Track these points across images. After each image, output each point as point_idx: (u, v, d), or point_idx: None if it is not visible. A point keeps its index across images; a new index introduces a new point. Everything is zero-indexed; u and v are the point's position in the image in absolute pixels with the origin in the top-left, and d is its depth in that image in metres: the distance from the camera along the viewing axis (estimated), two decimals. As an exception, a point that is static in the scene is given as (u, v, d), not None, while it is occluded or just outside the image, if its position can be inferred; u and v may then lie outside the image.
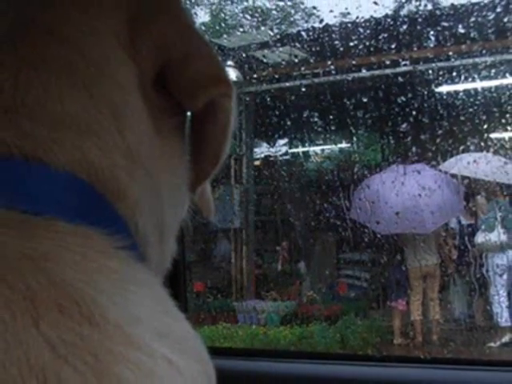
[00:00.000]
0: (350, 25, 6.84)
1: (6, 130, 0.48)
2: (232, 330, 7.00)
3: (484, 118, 6.49)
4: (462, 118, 6.64)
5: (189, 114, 0.61)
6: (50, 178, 0.48)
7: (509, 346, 6.41)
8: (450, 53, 6.71)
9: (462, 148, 6.64)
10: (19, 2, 0.55)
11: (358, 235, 6.93)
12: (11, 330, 0.38)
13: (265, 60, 7.86)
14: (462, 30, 6.50)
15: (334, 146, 8.82)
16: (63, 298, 0.41)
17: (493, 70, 6.67)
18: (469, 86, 6.82)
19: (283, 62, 7.67)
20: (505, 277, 6.62)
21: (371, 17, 6.65)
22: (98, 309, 0.41)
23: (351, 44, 6.78)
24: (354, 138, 8.10)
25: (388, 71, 7.01)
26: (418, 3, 7.53)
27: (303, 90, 7.58)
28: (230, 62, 7.43)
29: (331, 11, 7.00)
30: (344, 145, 8.70)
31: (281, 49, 7.69)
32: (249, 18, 8.31)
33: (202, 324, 6.96)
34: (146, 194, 0.54)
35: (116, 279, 0.45)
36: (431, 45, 6.74)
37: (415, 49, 6.85)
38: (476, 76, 6.78)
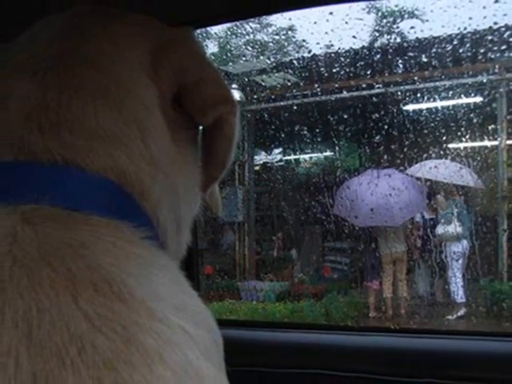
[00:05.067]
0: (333, 54, 6.84)
1: (52, 141, 0.48)
2: (236, 305, 6.99)
3: (443, 131, 6.49)
4: (425, 131, 6.64)
5: (200, 127, 0.61)
6: (87, 180, 0.48)
7: (463, 319, 6.41)
8: (415, 78, 6.71)
9: (425, 156, 6.64)
10: (62, 36, 0.55)
11: (339, 227, 6.93)
12: (55, 305, 0.38)
13: (263, 83, 7.85)
14: (424, 59, 6.50)
15: (319, 154, 8.81)
16: (98, 279, 0.41)
17: (450, 92, 6.67)
18: (430, 105, 6.82)
19: (278, 85, 7.67)
20: (460, 262, 6.61)
21: (350, 48, 6.65)
22: (126, 288, 0.41)
23: (334, 70, 6.78)
24: (337, 148, 8.09)
25: (364, 93, 7.00)
26: (388, 37, 7.53)
27: (295, 108, 7.58)
28: (234, 85, 7.42)
29: (318, 43, 7.00)
30: (328, 153, 8.68)
31: (276, 74, 7.69)
32: (250, 48, 8.30)
33: (212, 300, 6.95)
34: (166, 194, 0.54)
35: (141, 264, 0.45)
36: (399, 71, 6.74)
37: (386, 74, 6.85)
38: (436, 97, 6.78)
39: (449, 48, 6.17)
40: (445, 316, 6.52)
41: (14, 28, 0.60)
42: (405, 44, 7.07)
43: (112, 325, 0.38)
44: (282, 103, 7.77)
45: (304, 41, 7.86)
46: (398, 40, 7.45)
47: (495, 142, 6.65)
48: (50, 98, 0.49)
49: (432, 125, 6.56)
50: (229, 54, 8.22)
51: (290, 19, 7.86)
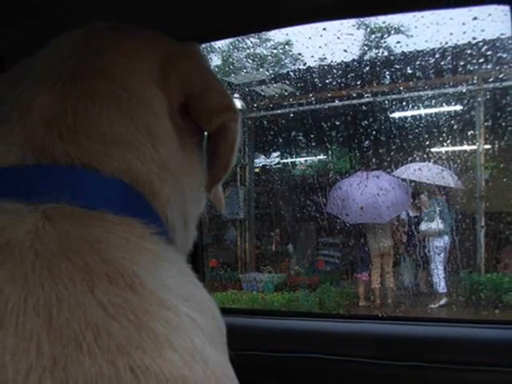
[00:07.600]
0: (326, 67, 6.83)
1: (70, 145, 0.48)
2: (238, 295, 6.99)
3: (426, 136, 6.49)
4: (410, 137, 6.63)
5: (205, 133, 0.61)
6: (102, 181, 0.48)
7: (444, 307, 6.41)
8: (401, 88, 6.71)
9: (409, 159, 6.64)
10: (80, 50, 0.55)
11: (332, 224, 6.92)
12: (73, 295, 0.38)
13: (262, 93, 7.85)
14: (409, 71, 6.51)
15: (314, 157, 8.80)
16: (112, 271, 0.41)
17: (433, 101, 6.67)
18: (415, 112, 6.81)
19: (276, 95, 7.67)
20: (442, 255, 6.61)
21: (342, 61, 6.65)
22: (137, 279, 0.41)
23: (327, 81, 6.78)
24: (329, 152, 8.08)
25: (354, 101, 7.00)
26: (377, 51, 7.53)
27: (291, 115, 7.57)
28: (236, 95, 7.42)
29: (312, 56, 6.99)
30: (322, 156, 8.68)
31: (274, 85, 7.69)
32: (250, 61, 8.30)
33: (216, 290, 6.95)
34: (174, 194, 0.54)
35: (151, 257, 0.45)
36: (387, 82, 6.74)
37: (375, 85, 6.85)
38: (420, 105, 6.78)
39: (431, 61, 6.18)
40: (428, 305, 6.52)
41: (35, 43, 0.60)
42: (391, 57, 7.07)
43: (125, 313, 0.39)
44: (279, 111, 7.77)
45: (300, 54, 7.86)
46: (386, 53, 7.46)
47: (474, 147, 6.65)
48: (68, 107, 0.49)
49: (416, 131, 6.55)
50: (231, 66, 8.21)
51: (287, 34, 7.86)
